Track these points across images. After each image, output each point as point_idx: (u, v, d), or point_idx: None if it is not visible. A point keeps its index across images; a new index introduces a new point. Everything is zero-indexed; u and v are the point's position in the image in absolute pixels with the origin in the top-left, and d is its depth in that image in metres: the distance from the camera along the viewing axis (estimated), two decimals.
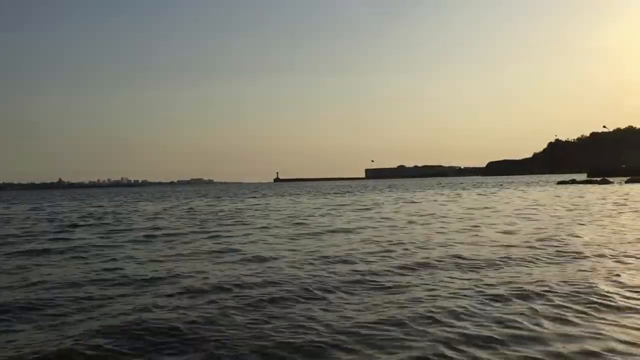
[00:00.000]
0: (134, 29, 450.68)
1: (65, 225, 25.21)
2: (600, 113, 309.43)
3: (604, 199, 36.84)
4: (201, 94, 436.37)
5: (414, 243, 15.04)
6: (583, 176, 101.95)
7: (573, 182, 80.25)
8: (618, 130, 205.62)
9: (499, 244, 14.33)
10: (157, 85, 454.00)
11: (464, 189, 71.65)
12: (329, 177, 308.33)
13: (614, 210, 25.89)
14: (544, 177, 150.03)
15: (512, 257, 12.08)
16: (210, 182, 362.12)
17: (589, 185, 71.69)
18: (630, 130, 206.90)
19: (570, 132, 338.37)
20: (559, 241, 14.58)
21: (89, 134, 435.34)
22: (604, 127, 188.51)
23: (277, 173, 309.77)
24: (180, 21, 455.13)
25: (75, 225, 24.99)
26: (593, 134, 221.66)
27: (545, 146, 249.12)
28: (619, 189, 53.70)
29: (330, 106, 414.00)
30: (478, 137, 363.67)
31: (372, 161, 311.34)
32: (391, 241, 15.56)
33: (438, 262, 11.64)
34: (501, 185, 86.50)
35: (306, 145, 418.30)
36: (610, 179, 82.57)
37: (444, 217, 24.78)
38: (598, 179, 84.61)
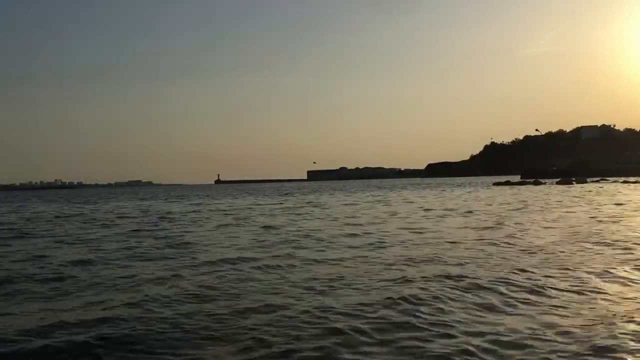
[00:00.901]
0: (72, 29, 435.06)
1: None
2: (534, 117, 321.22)
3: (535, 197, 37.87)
4: (142, 94, 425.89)
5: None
6: (518, 177, 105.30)
7: (508, 183, 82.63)
8: (550, 133, 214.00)
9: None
10: (95, 85, 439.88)
11: (392, 189, 72.72)
12: (271, 178, 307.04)
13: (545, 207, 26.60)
14: (482, 178, 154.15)
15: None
16: (149, 183, 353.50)
17: (523, 187, 73.90)
18: (560, 133, 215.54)
19: (506, 135, 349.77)
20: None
21: (19, 134, 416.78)
22: (537, 130, 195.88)
23: (219, 175, 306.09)
24: (114, 21, 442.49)
25: None
26: (526, 137, 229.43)
27: (482, 149, 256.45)
28: (549, 189, 55.99)
29: (273, 107, 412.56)
30: (418, 139, 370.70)
31: (314, 163, 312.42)
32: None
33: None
34: (439, 185, 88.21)
35: (248, 146, 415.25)
36: (543, 180, 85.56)
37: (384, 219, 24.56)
38: (531, 180, 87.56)
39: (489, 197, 44.80)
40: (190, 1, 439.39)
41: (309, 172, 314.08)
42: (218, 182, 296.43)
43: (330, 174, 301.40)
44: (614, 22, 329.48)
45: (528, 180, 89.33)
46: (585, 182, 79.78)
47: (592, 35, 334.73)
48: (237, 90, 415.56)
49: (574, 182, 77.77)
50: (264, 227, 21.22)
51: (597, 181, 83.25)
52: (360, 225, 21.06)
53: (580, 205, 29.43)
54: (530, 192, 51.60)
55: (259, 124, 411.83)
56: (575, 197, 40.19)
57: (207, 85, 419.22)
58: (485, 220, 21.49)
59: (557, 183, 77.60)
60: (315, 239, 16.64)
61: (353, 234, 17.82)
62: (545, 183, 79.49)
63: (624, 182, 74.05)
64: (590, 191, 49.97)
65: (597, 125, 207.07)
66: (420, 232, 17.62)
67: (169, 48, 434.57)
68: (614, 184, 72.79)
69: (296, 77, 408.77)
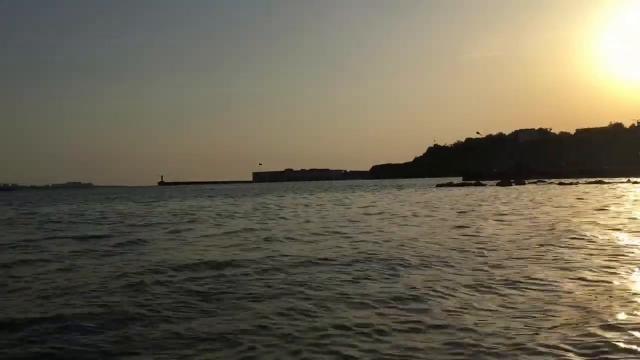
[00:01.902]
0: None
1: None
2: (476, 120, 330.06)
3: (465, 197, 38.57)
4: (82, 94, 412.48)
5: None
6: (460, 179, 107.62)
7: (450, 184, 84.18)
8: (490, 136, 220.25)
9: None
10: (32, 84, 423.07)
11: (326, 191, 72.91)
12: (216, 180, 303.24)
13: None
14: (425, 180, 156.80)
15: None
16: (89, 185, 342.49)
17: (464, 188, 75.41)
18: (500, 136, 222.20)
19: (449, 138, 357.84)
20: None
21: None
22: (478, 133, 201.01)
23: (162, 176, 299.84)
24: (43, 20, 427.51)
25: None
26: (468, 140, 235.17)
27: (425, 151, 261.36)
28: (489, 191, 57.35)
29: (218, 108, 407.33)
30: (363, 141, 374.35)
31: (260, 164, 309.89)
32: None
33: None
34: (385, 187, 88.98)
35: (192, 147, 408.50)
36: (484, 182, 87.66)
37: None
38: (472, 181, 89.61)
39: (428, 198, 45.35)
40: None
41: (254, 174, 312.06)
42: (162, 183, 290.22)
43: (276, 175, 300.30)
44: (553, 29, 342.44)
45: (469, 182, 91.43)
46: (524, 183, 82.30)
47: (531, 42, 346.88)
48: (182, 91, 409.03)
49: (512, 184, 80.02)
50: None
51: (535, 183, 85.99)
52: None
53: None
54: (461, 193, 52.65)
55: (203, 124, 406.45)
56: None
57: (150, 86, 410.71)
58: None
59: (497, 185, 79.62)
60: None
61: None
62: (485, 185, 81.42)
63: (560, 183, 76.82)
64: (511, 193, 52.00)
65: (534, 129, 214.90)
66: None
67: (109, 47, 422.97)
68: (551, 185, 75.48)
69: (241, 78, 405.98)
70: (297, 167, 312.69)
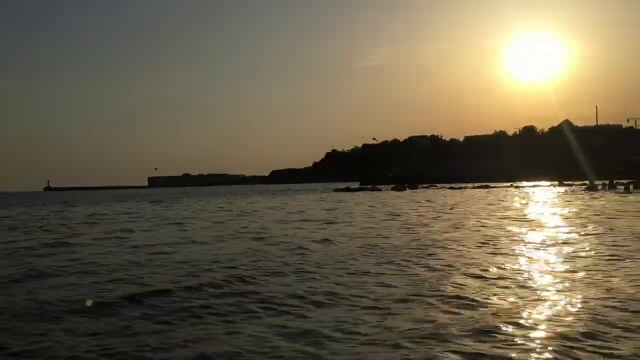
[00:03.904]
0: None
1: None
2: (372, 126, 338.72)
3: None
4: None
5: None
6: (357, 184, 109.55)
7: (348, 189, 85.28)
8: (386, 142, 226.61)
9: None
10: None
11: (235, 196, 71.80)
12: (109, 185, 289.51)
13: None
14: (324, 184, 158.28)
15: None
16: None
17: (360, 192, 76.66)
18: (395, 142, 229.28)
19: (347, 143, 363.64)
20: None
21: None
22: (374, 139, 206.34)
23: (48, 181, 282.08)
24: None
25: None
26: (365, 145, 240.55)
27: (324, 156, 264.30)
28: (383, 195, 58.90)
29: (110, 110, 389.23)
30: (262, 146, 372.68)
31: (156, 169, 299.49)
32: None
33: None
34: (285, 191, 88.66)
35: (81, 150, 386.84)
36: (380, 187, 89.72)
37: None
38: (369, 186, 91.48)
39: (325, 201, 45.53)
40: None
41: (150, 179, 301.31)
42: (48, 189, 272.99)
43: (173, 180, 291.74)
44: (443, 40, 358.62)
45: (366, 186, 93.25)
46: (417, 188, 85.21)
47: (423, 52, 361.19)
48: (71, 91, 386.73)
49: (406, 188, 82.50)
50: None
51: (427, 187, 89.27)
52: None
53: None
54: (358, 198, 53.58)
55: (93, 126, 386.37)
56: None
57: (38, 85, 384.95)
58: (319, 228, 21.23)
59: (392, 189, 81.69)
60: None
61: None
62: (381, 189, 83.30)
63: (450, 188, 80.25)
64: (398, 196, 54.78)
65: (427, 135, 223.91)
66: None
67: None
68: (442, 189, 78.73)
69: (135, 79, 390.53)
70: (195, 172, 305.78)
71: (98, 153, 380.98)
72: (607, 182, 58.69)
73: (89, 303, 8.60)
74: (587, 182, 71.05)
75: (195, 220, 29.02)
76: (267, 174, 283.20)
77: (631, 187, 52.39)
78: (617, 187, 55.96)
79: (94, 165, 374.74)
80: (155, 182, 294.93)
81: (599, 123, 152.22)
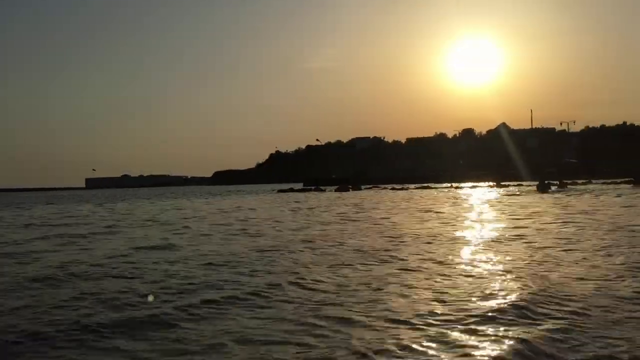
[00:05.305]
0: None
1: None
2: (316, 127, 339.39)
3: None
4: None
5: None
6: (301, 185, 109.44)
7: (291, 190, 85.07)
8: (329, 143, 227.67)
9: None
10: None
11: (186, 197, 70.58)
12: (42, 187, 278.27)
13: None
14: (268, 186, 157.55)
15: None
16: None
17: (303, 193, 76.66)
18: (339, 144, 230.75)
19: (291, 145, 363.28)
20: None
21: None
22: (317, 140, 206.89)
23: None
24: None
25: None
26: (308, 147, 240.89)
27: (267, 157, 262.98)
28: (329, 195, 59.25)
29: (43, 108, 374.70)
30: (204, 147, 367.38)
31: (94, 170, 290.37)
32: None
33: None
34: (229, 192, 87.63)
35: (10, 149, 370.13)
36: (323, 187, 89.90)
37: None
38: (312, 187, 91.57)
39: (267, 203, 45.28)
40: None
41: (87, 180, 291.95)
42: None
43: (112, 181, 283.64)
44: (385, 43, 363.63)
45: (309, 187, 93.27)
46: (360, 189, 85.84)
47: (366, 55, 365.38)
48: (1, 89, 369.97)
49: (350, 189, 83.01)
50: None
51: (370, 188, 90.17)
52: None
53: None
54: (302, 198, 53.68)
55: (23, 124, 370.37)
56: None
57: None
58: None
59: (335, 190, 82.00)
60: None
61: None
62: (325, 190, 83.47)
63: (392, 188, 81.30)
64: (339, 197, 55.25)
65: (369, 137, 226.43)
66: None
67: None
68: (384, 190, 79.77)
69: (72, 77, 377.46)
70: (135, 173, 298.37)
71: (33, 153, 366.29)
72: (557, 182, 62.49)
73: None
74: (522, 183, 73.51)
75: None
76: (210, 175, 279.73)
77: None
78: (552, 187, 58.33)
79: (28, 166, 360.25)
80: (93, 183, 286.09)
81: (534, 126, 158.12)
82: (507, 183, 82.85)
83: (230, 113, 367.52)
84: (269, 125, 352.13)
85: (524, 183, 79.89)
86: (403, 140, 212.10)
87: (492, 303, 7.74)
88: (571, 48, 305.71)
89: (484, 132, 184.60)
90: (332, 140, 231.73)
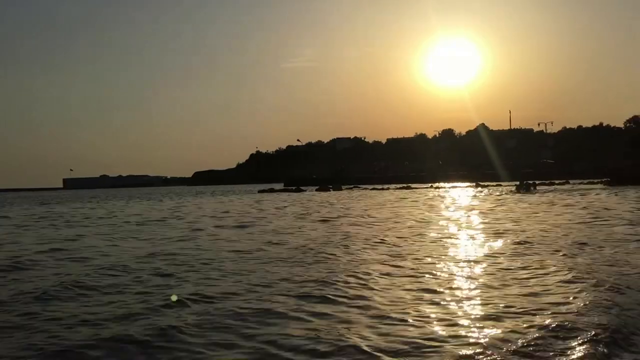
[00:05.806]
0: None
1: None
2: (296, 127, 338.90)
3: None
4: None
5: None
6: (282, 185, 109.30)
7: (272, 190, 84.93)
8: (310, 144, 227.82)
9: None
10: None
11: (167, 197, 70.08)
12: (18, 187, 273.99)
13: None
14: (249, 186, 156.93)
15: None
16: None
17: (284, 193, 76.59)
18: (319, 144, 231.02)
19: (271, 145, 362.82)
20: None
21: None
22: (298, 140, 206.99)
23: None
24: None
25: None
26: (289, 147, 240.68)
27: (248, 157, 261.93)
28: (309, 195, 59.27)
29: (25, 106, 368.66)
30: (184, 147, 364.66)
31: (71, 170, 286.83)
32: None
33: None
34: (212, 193, 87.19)
35: None
36: (304, 188, 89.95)
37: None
38: (293, 187, 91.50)
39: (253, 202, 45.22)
40: None
41: (65, 180, 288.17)
42: None
43: (90, 182, 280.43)
44: (365, 43, 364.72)
45: (290, 187, 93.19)
46: (341, 189, 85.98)
47: (346, 55, 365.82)
48: None
49: (330, 189, 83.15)
50: None
51: (351, 188, 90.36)
52: None
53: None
54: (281, 198, 53.69)
55: (6, 125, 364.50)
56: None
57: None
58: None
59: (316, 190, 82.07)
60: None
61: None
62: (306, 190, 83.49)
63: (373, 189, 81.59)
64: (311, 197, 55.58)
65: (350, 137, 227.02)
66: None
67: None
68: (365, 190, 80.00)
69: (48, 75, 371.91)
70: (113, 174, 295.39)
71: (9, 153, 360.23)
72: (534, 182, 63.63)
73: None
74: (500, 183, 74.29)
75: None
76: (190, 175, 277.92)
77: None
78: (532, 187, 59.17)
79: (2, 167, 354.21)
80: (71, 183, 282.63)
81: (513, 127, 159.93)
82: (486, 183, 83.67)
83: (211, 113, 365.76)
84: (250, 126, 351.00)
85: (502, 183, 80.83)
86: (383, 141, 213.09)
87: None
88: (549, 50, 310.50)
89: (463, 132, 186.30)
90: (313, 141, 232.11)
